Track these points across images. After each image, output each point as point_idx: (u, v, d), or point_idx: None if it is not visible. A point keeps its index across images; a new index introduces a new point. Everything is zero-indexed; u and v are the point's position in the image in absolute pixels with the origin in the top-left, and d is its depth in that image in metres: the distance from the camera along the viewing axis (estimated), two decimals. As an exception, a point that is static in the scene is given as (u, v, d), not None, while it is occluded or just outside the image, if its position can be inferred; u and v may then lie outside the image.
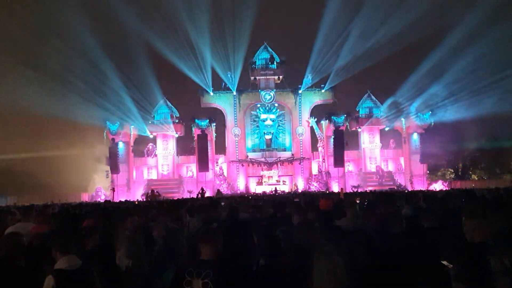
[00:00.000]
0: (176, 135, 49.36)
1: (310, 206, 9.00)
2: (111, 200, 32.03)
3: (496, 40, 45.91)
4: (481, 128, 43.21)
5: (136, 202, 19.03)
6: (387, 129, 50.04)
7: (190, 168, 49.66)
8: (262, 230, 6.65)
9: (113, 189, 33.69)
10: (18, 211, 10.22)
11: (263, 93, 50.20)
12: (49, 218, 7.50)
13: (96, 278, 4.10)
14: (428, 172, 47.85)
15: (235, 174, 49.54)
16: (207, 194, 38.58)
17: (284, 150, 50.61)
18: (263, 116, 50.28)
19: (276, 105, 50.53)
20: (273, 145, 50.50)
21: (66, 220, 8.21)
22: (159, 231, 5.93)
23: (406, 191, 30.59)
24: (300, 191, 43.45)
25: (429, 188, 41.00)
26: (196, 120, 48.24)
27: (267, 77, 50.85)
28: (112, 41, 47.01)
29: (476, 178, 47.99)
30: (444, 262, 4.55)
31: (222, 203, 11.74)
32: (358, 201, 10.99)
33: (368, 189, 40.18)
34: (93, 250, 5.49)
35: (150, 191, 40.41)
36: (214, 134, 49.98)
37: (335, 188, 45.25)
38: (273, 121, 50.44)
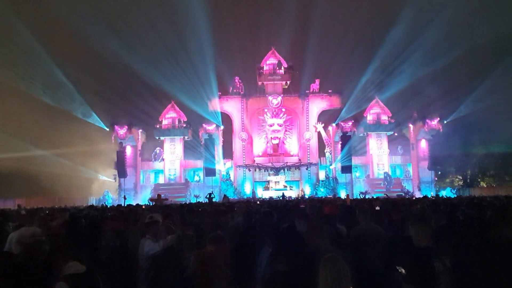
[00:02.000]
0: (184, 140, 49.43)
1: (317, 212, 8.97)
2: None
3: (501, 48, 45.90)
4: (490, 135, 42.88)
5: (144, 207, 19.02)
6: (395, 135, 49.81)
7: (197, 173, 49.72)
8: (274, 235, 6.65)
9: (125, 197, 33.98)
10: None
11: (270, 98, 50.21)
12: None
13: (100, 282, 4.15)
14: (436, 179, 47.52)
15: (242, 179, 49.50)
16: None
17: (291, 155, 50.51)
18: (270, 121, 50.24)
19: (283, 110, 50.50)
20: (280, 150, 50.41)
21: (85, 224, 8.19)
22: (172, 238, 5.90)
23: (414, 198, 30.36)
24: (307, 196, 43.25)
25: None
26: (204, 125, 48.40)
27: (275, 82, 50.89)
28: (120, 45, 47.29)
29: (485, 185, 47.57)
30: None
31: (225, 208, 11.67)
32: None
33: (375, 195, 39.88)
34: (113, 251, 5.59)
35: (157, 196, 40.46)
36: (221, 139, 50.04)
37: (343, 194, 45.08)
38: (280, 126, 50.37)
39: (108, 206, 24.14)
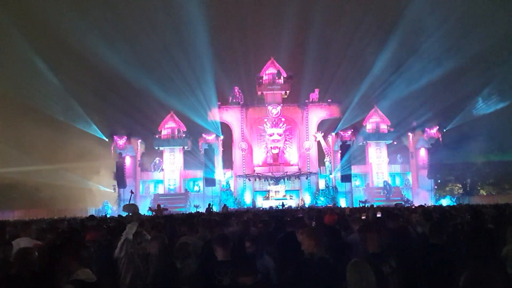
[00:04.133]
0: (183, 150, 49.42)
1: (316, 221, 8.96)
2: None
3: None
4: (490, 143, 42.91)
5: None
6: (395, 143, 49.85)
7: (197, 183, 49.64)
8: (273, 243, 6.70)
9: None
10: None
11: (270, 107, 50.28)
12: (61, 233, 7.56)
13: None
14: (436, 187, 47.50)
15: (242, 188, 49.40)
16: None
17: (291, 164, 50.45)
18: (270, 131, 50.23)
19: (283, 119, 50.51)
20: (280, 159, 50.36)
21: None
22: (154, 247, 5.53)
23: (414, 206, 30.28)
24: (307, 206, 43.14)
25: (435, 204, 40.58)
26: (203, 135, 48.43)
27: (274, 92, 50.96)
28: (119, 56, 47.56)
29: (485, 194, 47.51)
30: None
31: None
32: (363, 217, 10.91)
33: (375, 204, 39.79)
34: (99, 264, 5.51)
35: (157, 206, 40.36)
36: (221, 149, 50.04)
37: (343, 203, 45.04)
38: (280, 135, 50.37)
39: (108, 216, 24.08)
